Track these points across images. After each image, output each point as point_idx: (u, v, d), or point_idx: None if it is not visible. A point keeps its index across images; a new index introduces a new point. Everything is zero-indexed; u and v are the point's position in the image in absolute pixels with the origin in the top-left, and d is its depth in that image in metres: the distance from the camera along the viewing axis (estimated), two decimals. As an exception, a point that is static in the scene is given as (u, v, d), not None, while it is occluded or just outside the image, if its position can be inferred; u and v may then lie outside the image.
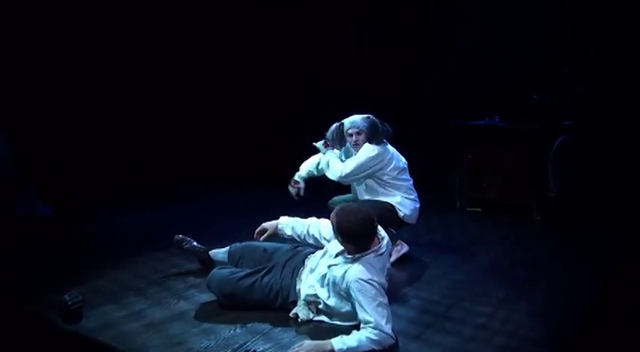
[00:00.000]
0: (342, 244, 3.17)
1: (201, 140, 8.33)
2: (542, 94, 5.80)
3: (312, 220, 3.56)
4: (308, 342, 2.89)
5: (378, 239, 3.20)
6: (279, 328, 3.21)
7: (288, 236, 3.61)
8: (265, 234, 3.63)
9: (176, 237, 4.06)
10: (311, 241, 3.54)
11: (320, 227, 3.50)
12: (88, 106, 7.25)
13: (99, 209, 6.17)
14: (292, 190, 4.49)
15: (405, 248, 4.48)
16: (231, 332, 3.15)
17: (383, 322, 2.90)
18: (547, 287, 3.97)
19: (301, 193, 4.48)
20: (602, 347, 3.15)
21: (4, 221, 5.31)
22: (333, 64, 7.82)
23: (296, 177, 4.51)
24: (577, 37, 6.07)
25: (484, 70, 6.53)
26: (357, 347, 2.83)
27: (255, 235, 3.67)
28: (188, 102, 8.36)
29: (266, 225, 3.66)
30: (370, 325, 2.89)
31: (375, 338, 2.86)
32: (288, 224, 3.61)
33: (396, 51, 7.26)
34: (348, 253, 3.15)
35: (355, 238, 3.10)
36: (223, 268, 3.60)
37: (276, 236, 3.65)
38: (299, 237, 3.58)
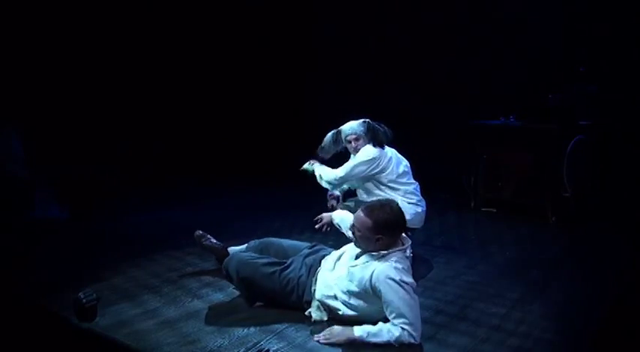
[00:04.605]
0: (371, 240, 3.13)
1: (218, 140, 8.35)
2: (557, 94, 5.77)
3: None
4: (336, 328, 3.02)
5: (402, 241, 3.20)
6: (293, 327, 3.20)
7: (337, 225, 3.89)
8: (322, 223, 3.98)
9: (196, 232, 4.09)
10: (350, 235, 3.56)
11: None
12: (105, 106, 7.30)
13: (115, 208, 6.21)
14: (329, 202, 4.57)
15: None
16: (245, 331, 3.15)
17: (417, 323, 2.91)
18: (562, 288, 3.95)
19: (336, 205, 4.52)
20: (618, 348, 3.13)
21: (20, 221, 5.35)
22: (347, 65, 7.84)
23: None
24: (593, 36, 6.02)
25: (499, 69, 6.51)
26: (377, 334, 2.89)
27: (315, 219, 4.02)
28: (206, 103, 8.40)
29: (324, 215, 4.01)
30: (403, 321, 2.89)
31: (398, 334, 2.87)
32: (339, 216, 3.91)
33: (410, 51, 7.25)
34: (374, 250, 3.14)
35: (391, 228, 3.11)
36: (244, 252, 3.63)
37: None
38: (345, 230, 3.74)
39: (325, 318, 3.25)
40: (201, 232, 4.09)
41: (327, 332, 3.02)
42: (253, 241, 3.90)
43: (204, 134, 8.32)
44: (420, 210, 4.38)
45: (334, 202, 4.50)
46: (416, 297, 3.00)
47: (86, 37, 7.07)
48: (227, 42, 8.44)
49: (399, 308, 2.91)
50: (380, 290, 2.97)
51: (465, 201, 6.34)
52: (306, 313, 3.30)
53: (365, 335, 2.92)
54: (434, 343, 3.07)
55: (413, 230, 4.37)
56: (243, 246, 3.94)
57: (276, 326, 3.21)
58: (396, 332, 2.88)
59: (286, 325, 3.22)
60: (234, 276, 3.40)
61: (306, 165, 4.59)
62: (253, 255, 3.56)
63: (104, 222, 5.65)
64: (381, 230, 3.09)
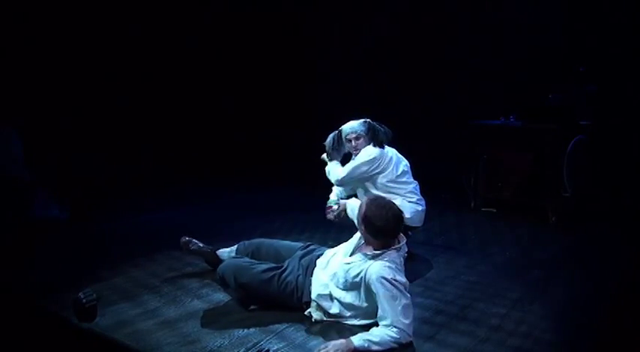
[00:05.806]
0: (364, 236, 3.21)
1: (216, 141, 8.35)
2: (557, 94, 5.77)
3: None
4: (332, 343, 2.87)
5: (398, 239, 3.22)
6: (293, 327, 3.21)
7: (349, 214, 4.02)
8: (339, 209, 4.25)
9: (182, 239, 4.05)
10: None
11: None
12: (103, 107, 7.30)
13: (114, 208, 6.21)
14: (330, 216, 4.40)
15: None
16: (245, 331, 3.15)
17: (406, 322, 2.93)
18: (562, 288, 3.94)
19: (335, 215, 4.36)
20: (618, 348, 3.13)
21: (20, 222, 5.35)
22: (348, 65, 7.84)
23: (329, 203, 4.47)
24: (593, 36, 6.02)
25: (499, 69, 6.51)
26: (378, 343, 2.87)
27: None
28: (203, 103, 8.39)
29: (340, 202, 4.27)
30: (391, 324, 2.91)
31: (396, 336, 2.89)
32: (351, 205, 4.07)
33: (411, 50, 7.25)
34: (368, 250, 3.18)
35: (380, 233, 3.15)
36: (239, 258, 3.62)
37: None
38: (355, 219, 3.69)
39: (325, 318, 3.25)
40: (187, 238, 4.04)
41: (323, 347, 2.86)
42: (242, 243, 3.89)
43: (205, 134, 8.32)
44: (419, 208, 4.38)
45: (331, 215, 4.38)
46: (408, 295, 3.02)
47: (87, 37, 7.07)
48: (228, 43, 8.45)
49: (392, 310, 2.93)
50: (374, 290, 3.00)
51: (465, 201, 6.33)
52: (306, 313, 3.30)
53: (366, 345, 2.85)
54: (434, 343, 3.07)
55: (413, 229, 4.38)
56: (234, 247, 3.93)
57: (276, 326, 3.21)
58: (394, 334, 2.89)
59: (286, 325, 3.22)
60: (232, 282, 3.39)
61: (324, 156, 4.53)
62: (251, 260, 3.54)
63: (104, 222, 5.64)
64: (368, 228, 3.16)
